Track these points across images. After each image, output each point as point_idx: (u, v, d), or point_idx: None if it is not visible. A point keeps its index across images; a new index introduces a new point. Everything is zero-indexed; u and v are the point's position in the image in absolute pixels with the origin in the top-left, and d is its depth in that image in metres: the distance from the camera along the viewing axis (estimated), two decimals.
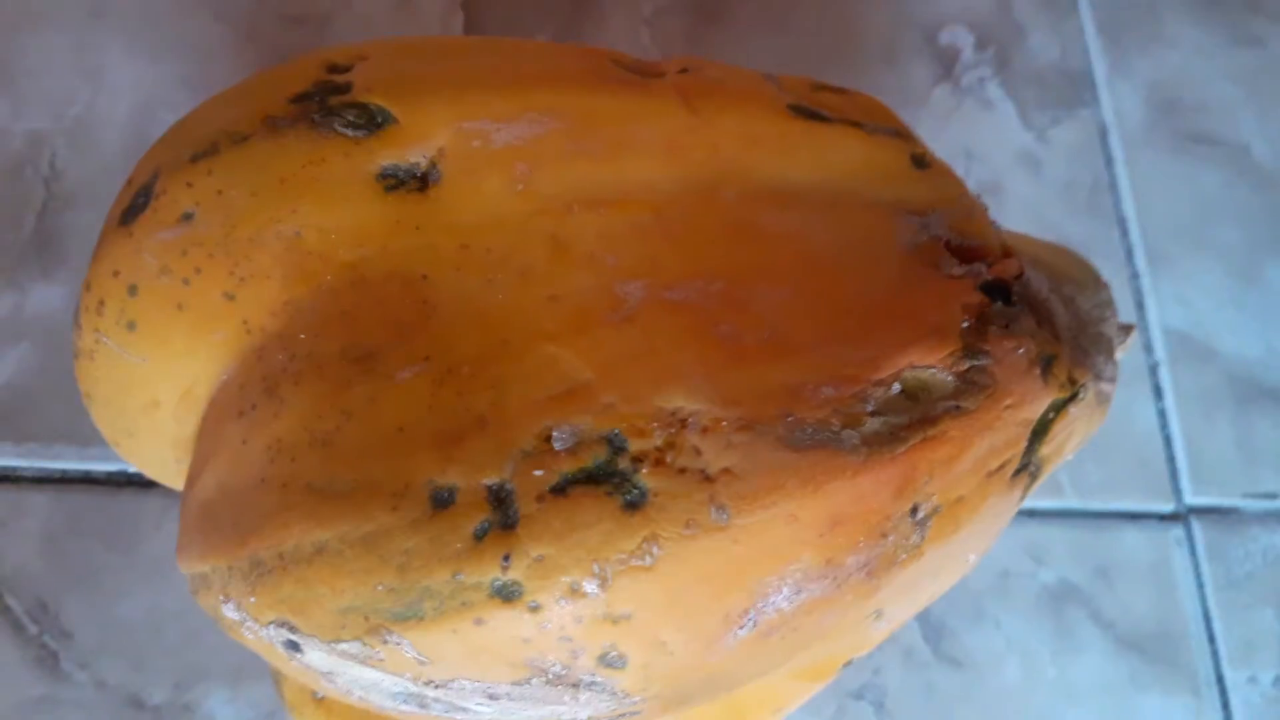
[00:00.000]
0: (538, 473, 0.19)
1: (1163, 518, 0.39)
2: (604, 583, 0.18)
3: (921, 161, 0.23)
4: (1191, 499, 0.40)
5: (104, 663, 0.29)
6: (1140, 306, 0.43)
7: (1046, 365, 0.22)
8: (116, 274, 0.22)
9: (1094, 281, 0.26)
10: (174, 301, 0.22)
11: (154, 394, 0.23)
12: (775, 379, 0.20)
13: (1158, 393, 0.41)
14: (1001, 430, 0.21)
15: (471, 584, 0.18)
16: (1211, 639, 0.38)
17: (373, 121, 0.21)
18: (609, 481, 0.19)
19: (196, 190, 0.21)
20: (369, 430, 0.20)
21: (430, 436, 0.19)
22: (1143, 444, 0.40)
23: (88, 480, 0.31)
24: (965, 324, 0.21)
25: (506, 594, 0.18)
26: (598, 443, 0.19)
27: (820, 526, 0.19)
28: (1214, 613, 0.39)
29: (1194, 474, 0.40)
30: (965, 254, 0.24)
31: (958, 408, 0.21)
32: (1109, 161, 0.45)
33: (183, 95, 0.36)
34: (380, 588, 0.19)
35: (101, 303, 0.22)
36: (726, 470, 0.19)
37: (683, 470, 0.19)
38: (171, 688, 0.29)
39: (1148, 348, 0.42)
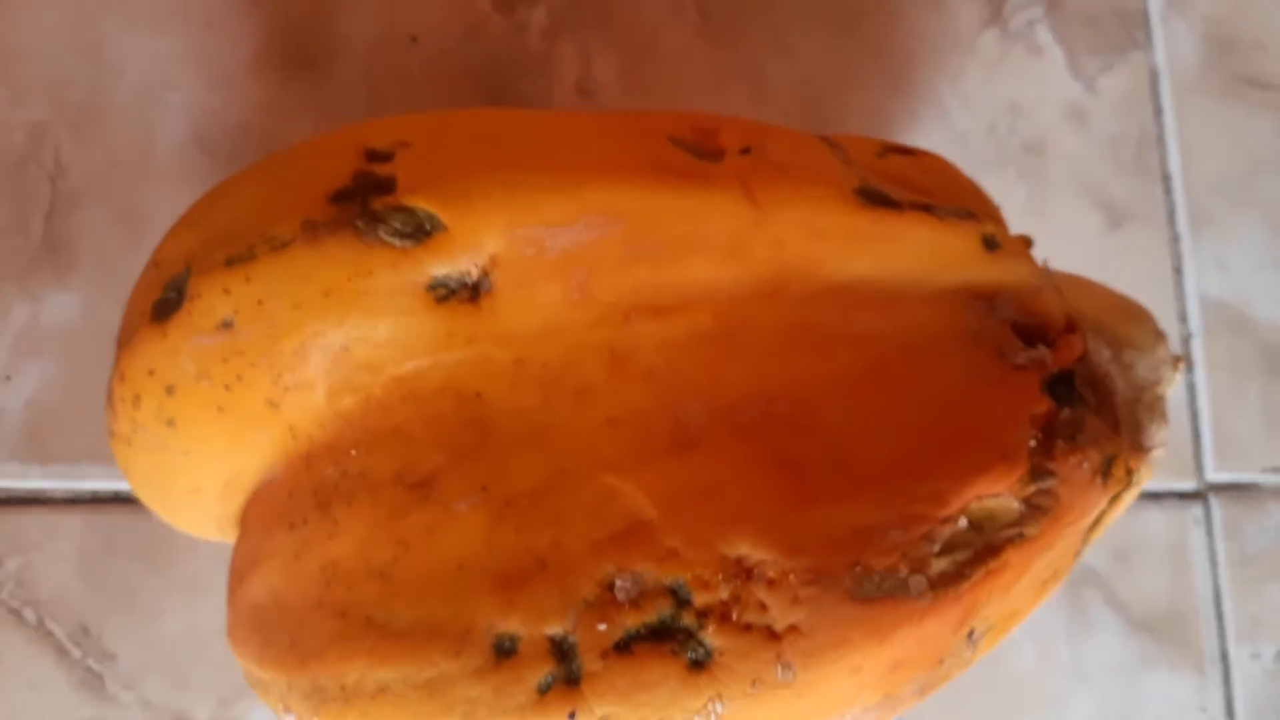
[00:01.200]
0: (601, 626, 0.19)
1: (1182, 496, 0.40)
2: None
3: (992, 242, 0.22)
4: (1213, 475, 0.40)
5: (149, 682, 0.30)
6: (1178, 272, 0.42)
7: (1107, 468, 0.22)
8: (152, 373, 0.21)
9: (1153, 339, 0.26)
10: (214, 404, 0.21)
11: (196, 482, 0.23)
12: (843, 522, 0.19)
13: (1190, 365, 0.41)
14: (1060, 545, 0.21)
15: None
16: (1220, 616, 0.39)
17: (420, 229, 0.20)
18: (674, 639, 0.18)
19: (234, 298, 0.20)
20: (427, 565, 0.19)
21: (491, 578, 0.19)
22: (1170, 420, 0.40)
23: (119, 500, 0.31)
24: (1033, 443, 0.21)
25: None
26: (661, 594, 0.19)
27: (883, 671, 0.19)
28: (1225, 590, 0.39)
29: (1218, 449, 0.40)
30: (1029, 332, 0.23)
31: (1021, 535, 0.20)
32: (1158, 112, 0.43)
33: (188, 73, 0.33)
34: None
35: (138, 397, 0.22)
36: (793, 627, 0.18)
37: (748, 627, 0.18)
38: (216, 703, 0.30)
39: (1183, 318, 0.41)
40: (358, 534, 0.20)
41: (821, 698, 0.19)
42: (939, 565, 0.19)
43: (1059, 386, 0.22)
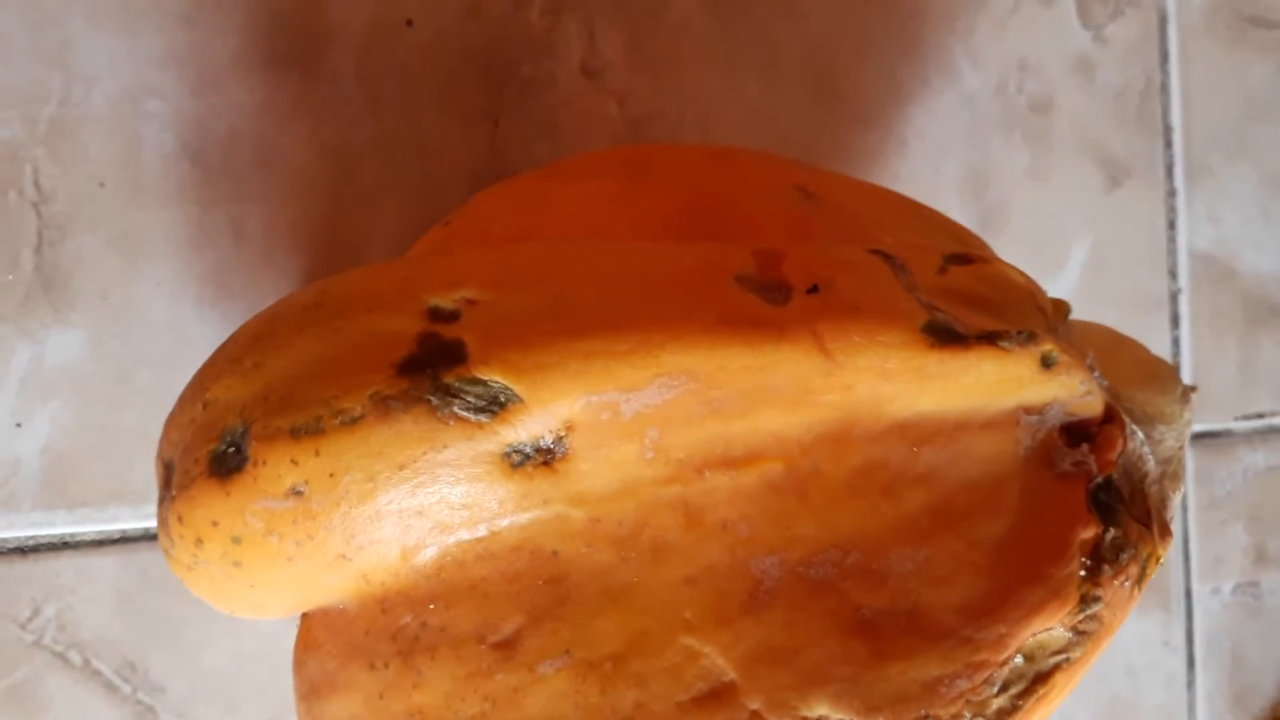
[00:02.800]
0: None
1: None
2: None
3: (1049, 360, 0.22)
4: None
5: (199, 709, 0.31)
6: (1172, 227, 0.42)
7: (1143, 572, 0.23)
8: (216, 524, 0.21)
9: (1179, 405, 0.26)
10: (284, 555, 0.21)
11: (261, 602, 0.23)
12: (915, 677, 0.20)
13: (1175, 321, 0.42)
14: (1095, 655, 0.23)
15: None
16: (1186, 558, 0.42)
17: (495, 401, 0.20)
18: None
19: (304, 469, 0.20)
20: None
21: None
22: None
23: (149, 537, 0.31)
24: (1082, 572, 0.22)
25: None
26: None
27: None
28: (1192, 534, 0.42)
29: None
30: (1073, 432, 0.24)
31: (1068, 660, 0.22)
32: (1164, 59, 0.42)
33: (168, 77, 0.31)
34: None
35: (201, 541, 0.22)
36: None
37: None
38: None
39: (1172, 274, 0.42)
40: (443, 687, 0.21)
41: None
42: (997, 703, 0.21)
43: (1101, 494, 0.23)
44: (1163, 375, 0.27)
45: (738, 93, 0.37)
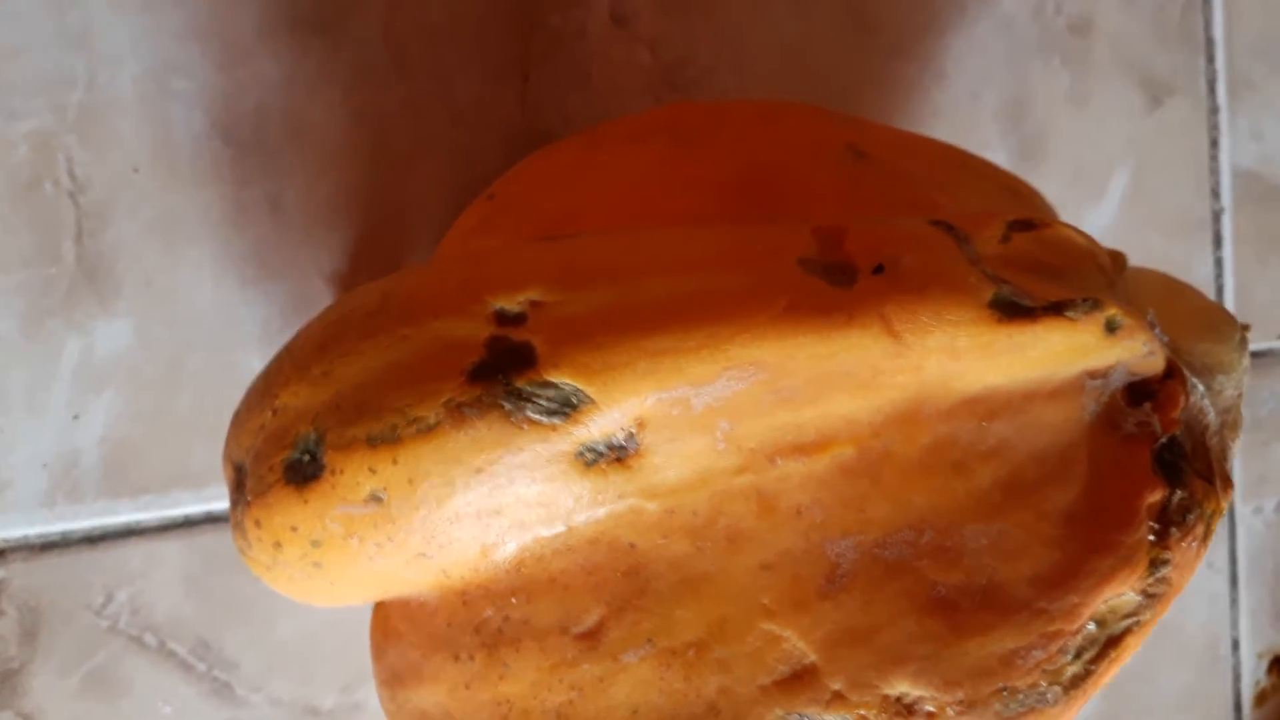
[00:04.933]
0: None
1: None
2: None
3: (1114, 325, 0.22)
4: None
5: (274, 682, 0.32)
6: (1214, 145, 0.41)
7: (1208, 529, 0.23)
8: (295, 529, 0.21)
9: (1238, 353, 0.26)
10: (364, 556, 0.21)
11: (340, 595, 0.23)
12: (991, 650, 0.21)
13: (1218, 241, 0.42)
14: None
15: None
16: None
17: (567, 403, 0.20)
18: None
19: (382, 477, 0.20)
20: (603, 710, 0.21)
21: None
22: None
23: (212, 519, 0.31)
24: (1151, 537, 0.22)
25: None
26: None
27: None
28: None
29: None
30: (1135, 391, 0.24)
31: (1139, 622, 0.22)
32: None
33: (192, 53, 0.30)
34: None
35: (279, 544, 0.22)
36: None
37: None
38: (340, 691, 0.32)
39: (1215, 193, 0.41)
40: (528, 677, 0.21)
41: None
42: (1071, 670, 0.21)
43: (1165, 454, 0.23)
44: (1221, 323, 0.26)
45: (771, 31, 0.36)
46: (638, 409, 0.20)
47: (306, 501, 0.21)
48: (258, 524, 0.22)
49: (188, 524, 0.31)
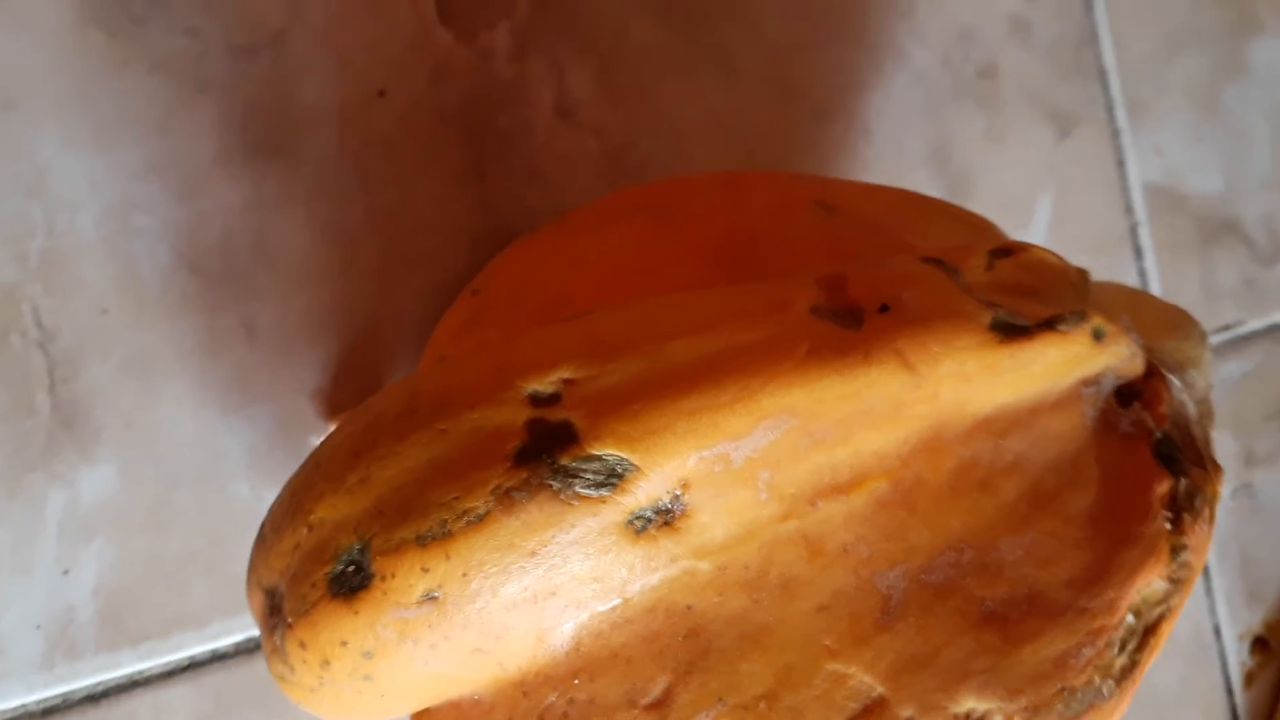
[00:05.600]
0: None
1: None
2: None
3: (1099, 333, 0.24)
4: None
5: None
6: (1121, 165, 0.44)
7: (1212, 510, 0.25)
8: (345, 643, 0.21)
9: (1202, 347, 0.28)
10: (418, 660, 0.21)
11: (388, 708, 0.23)
12: (1045, 655, 0.21)
13: (1138, 252, 0.44)
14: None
15: None
16: None
17: (613, 474, 0.20)
18: None
19: (436, 575, 0.20)
20: None
21: None
22: None
23: (219, 658, 0.30)
24: (1167, 525, 0.23)
25: None
26: None
27: None
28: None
29: None
30: (1122, 394, 0.25)
31: (1169, 608, 0.23)
32: (1089, 7, 0.43)
33: (151, 188, 0.30)
34: None
35: (328, 662, 0.21)
36: None
37: None
38: None
39: (1129, 209, 0.44)
40: None
41: None
42: (1119, 662, 0.22)
43: (1162, 448, 0.24)
44: (1183, 322, 0.28)
45: (704, 109, 0.37)
46: (681, 470, 0.20)
47: (357, 612, 0.21)
48: (302, 645, 0.21)
49: (194, 666, 0.30)
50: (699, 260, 0.26)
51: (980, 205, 0.41)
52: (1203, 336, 0.28)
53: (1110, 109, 0.44)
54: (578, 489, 0.20)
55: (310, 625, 0.21)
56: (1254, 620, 0.45)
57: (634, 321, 0.22)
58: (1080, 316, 0.23)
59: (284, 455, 0.31)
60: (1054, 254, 0.25)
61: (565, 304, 0.26)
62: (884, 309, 0.22)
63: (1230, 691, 0.45)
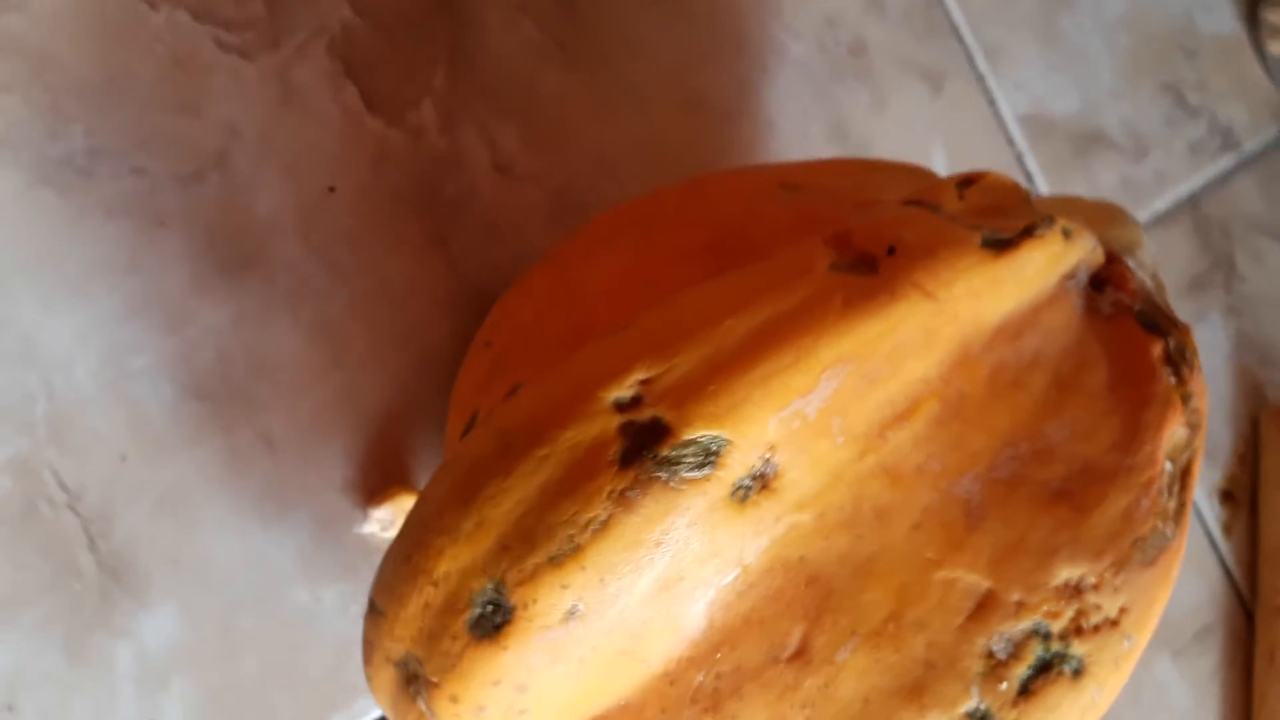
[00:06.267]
0: (1002, 686, 0.22)
1: None
2: None
3: (1068, 232, 0.26)
4: None
5: None
6: (993, 104, 0.48)
7: (1197, 359, 0.28)
8: (498, 682, 0.22)
9: (1138, 229, 0.31)
10: (570, 679, 0.22)
11: None
12: (1113, 514, 0.24)
13: (1029, 178, 0.48)
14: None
15: None
16: None
17: (709, 452, 0.22)
18: (1055, 665, 0.23)
19: (575, 589, 0.21)
20: (838, 711, 0.22)
21: (896, 697, 0.22)
22: None
23: None
24: (1172, 380, 0.26)
25: None
26: (1029, 639, 0.23)
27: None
28: None
29: None
30: (1096, 282, 0.28)
31: (1194, 451, 0.26)
32: None
33: (138, 329, 0.31)
34: None
35: (483, 707, 0.22)
36: (1123, 609, 0.23)
37: (1097, 628, 0.23)
38: None
39: (1010, 142, 0.48)
40: (761, 716, 0.22)
41: (1143, 644, 0.24)
42: (1171, 505, 0.25)
43: (1142, 319, 0.27)
44: (1118, 212, 0.31)
45: (625, 135, 0.39)
46: (765, 435, 0.22)
47: (505, 648, 0.21)
48: (454, 699, 0.22)
49: None
50: (694, 259, 0.28)
51: None
52: (1136, 221, 0.32)
53: (970, 58, 0.48)
54: (683, 474, 0.21)
55: (460, 676, 0.22)
56: (1216, 478, 0.49)
57: (680, 315, 0.23)
58: (1049, 221, 0.26)
59: (332, 551, 0.31)
60: (1004, 175, 0.28)
61: (586, 330, 0.27)
62: (891, 251, 0.24)
63: (1214, 545, 0.48)
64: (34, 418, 0.29)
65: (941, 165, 0.46)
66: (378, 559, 0.32)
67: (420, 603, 0.22)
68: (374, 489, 0.32)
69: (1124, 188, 0.50)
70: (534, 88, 0.38)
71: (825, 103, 0.44)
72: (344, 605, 0.32)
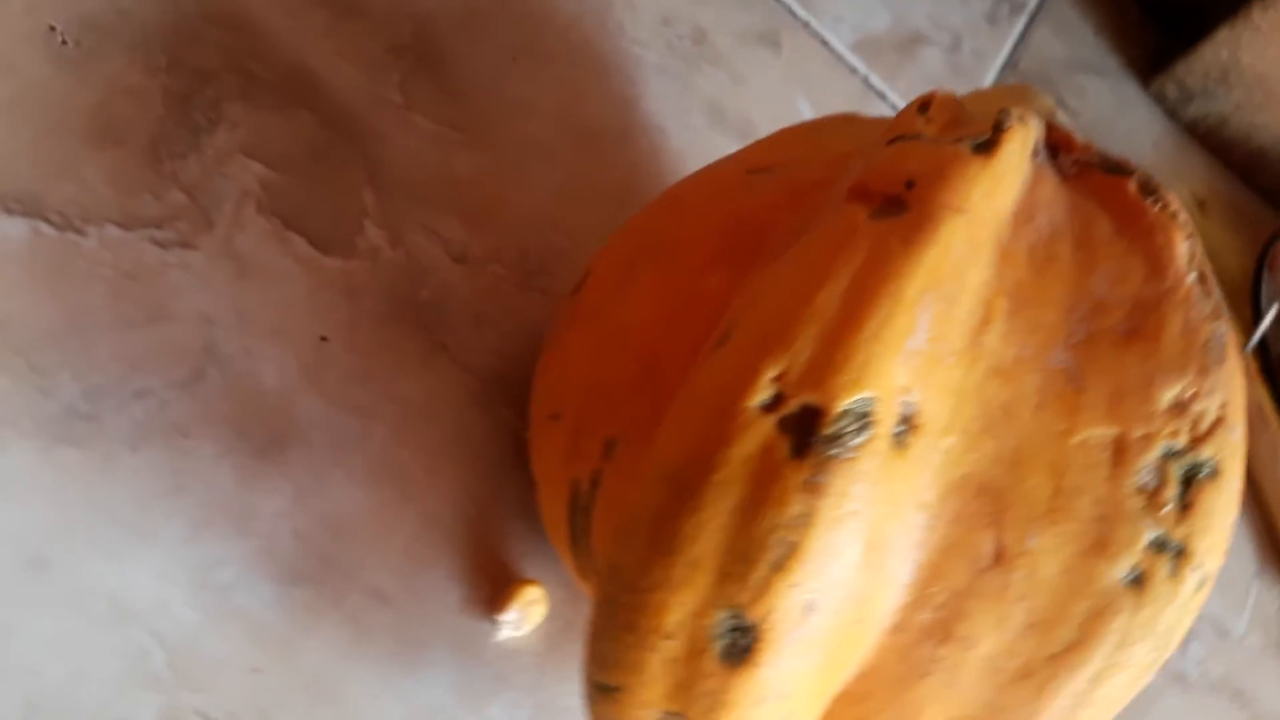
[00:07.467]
0: (1164, 510, 0.25)
1: None
2: None
3: (1022, 118, 0.29)
4: None
5: None
6: (825, 44, 0.51)
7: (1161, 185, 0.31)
8: (762, 700, 0.23)
9: (1049, 98, 0.35)
10: (816, 665, 0.23)
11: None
12: (1176, 335, 0.27)
13: (882, 96, 0.52)
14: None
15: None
16: None
17: (863, 415, 0.23)
18: (1196, 474, 0.26)
19: (804, 585, 0.22)
20: (1049, 589, 0.24)
21: (1087, 555, 0.25)
22: None
23: None
24: (1155, 206, 0.29)
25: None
26: (1168, 459, 0.25)
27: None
28: None
29: None
30: (1050, 151, 0.31)
31: (1201, 258, 0.29)
32: None
33: (209, 543, 0.30)
34: None
35: None
36: (1223, 404, 0.26)
37: (1212, 429, 0.26)
38: None
39: (853, 71, 0.52)
40: (989, 623, 0.24)
41: (1244, 429, 0.27)
42: (1209, 306, 0.28)
43: (1103, 167, 0.31)
44: (1027, 89, 0.35)
45: (547, 186, 0.41)
46: (898, 381, 0.24)
47: (759, 664, 0.23)
48: None
49: None
50: (716, 262, 0.29)
51: (768, 129, 0.47)
52: (1043, 93, 0.35)
53: (790, 10, 0.51)
54: (850, 443, 0.23)
55: (728, 708, 0.23)
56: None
57: (772, 309, 0.25)
58: (1007, 114, 0.29)
59: (478, 670, 0.31)
60: (944, 89, 0.30)
61: (655, 360, 0.28)
62: (910, 185, 0.26)
63: None
64: (156, 669, 0.28)
65: (809, 111, 0.49)
66: (523, 659, 0.32)
67: (660, 661, 0.23)
68: (490, 596, 0.32)
69: (956, 74, 0.55)
70: (452, 174, 0.38)
71: (694, 94, 0.46)
72: (510, 714, 0.32)
